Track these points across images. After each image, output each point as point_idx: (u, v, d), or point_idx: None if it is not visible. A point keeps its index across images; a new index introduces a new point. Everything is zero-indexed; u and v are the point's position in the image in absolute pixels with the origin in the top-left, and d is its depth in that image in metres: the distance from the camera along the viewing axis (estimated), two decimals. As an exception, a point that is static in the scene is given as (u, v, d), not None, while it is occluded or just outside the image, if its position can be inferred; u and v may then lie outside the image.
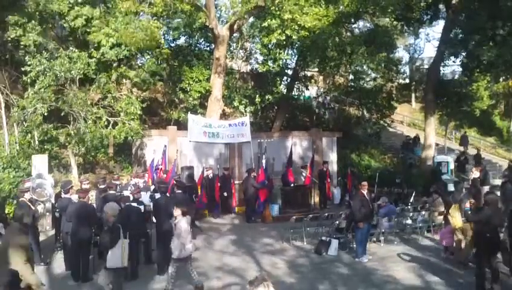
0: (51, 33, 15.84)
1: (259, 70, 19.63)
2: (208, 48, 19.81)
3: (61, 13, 14.27)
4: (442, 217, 11.33)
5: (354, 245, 9.76)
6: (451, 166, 18.16)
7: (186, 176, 12.80)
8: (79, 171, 14.72)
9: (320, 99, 23.53)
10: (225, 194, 13.85)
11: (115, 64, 15.32)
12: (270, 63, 18.04)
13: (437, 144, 21.67)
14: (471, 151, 22.38)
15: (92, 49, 14.68)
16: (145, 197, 10.02)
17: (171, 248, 7.24)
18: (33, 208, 8.95)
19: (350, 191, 15.80)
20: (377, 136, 22.43)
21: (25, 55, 13.52)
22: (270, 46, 17.28)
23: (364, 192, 9.56)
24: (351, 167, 17.58)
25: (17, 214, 6.06)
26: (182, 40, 20.08)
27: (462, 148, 22.76)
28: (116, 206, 6.99)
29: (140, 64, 17.88)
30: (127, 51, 14.45)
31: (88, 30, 14.61)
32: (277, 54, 17.50)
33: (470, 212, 8.44)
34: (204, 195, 13.33)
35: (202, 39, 19.80)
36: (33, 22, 13.54)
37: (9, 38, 13.78)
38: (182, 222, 7.23)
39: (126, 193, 9.99)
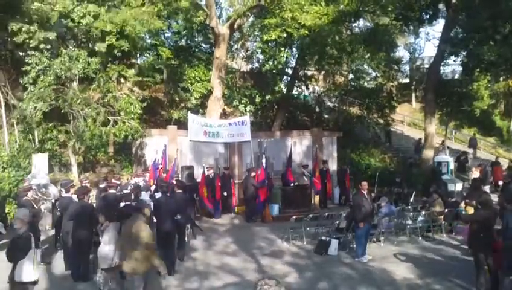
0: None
1: (261, 70, 19.61)
2: (209, 50, 19.81)
3: (67, 13, 14.18)
4: (442, 217, 11.36)
5: (354, 245, 9.77)
6: (451, 166, 18.13)
7: (186, 175, 12.83)
8: (79, 170, 14.72)
9: (320, 98, 23.51)
10: (225, 193, 13.85)
11: (115, 63, 15.29)
12: (270, 62, 18.00)
13: (447, 147, 21.26)
14: (488, 156, 22.29)
15: (95, 45, 14.61)
16: (145, 196, 10.03)
17: (97, 257, 7.02)
18: (36, 207, 8.97)
19: (349, 191, 15.81)
20: (388, 137, 22.34)
21: (26, 54, 13.48)
22: (270, 44, 17.26)
23: (365, 192, 9.56)
24: (350, 166, 17.55)
25: (137, 206, 6.30)
26: (182, 42, 20.08)
27: (469, 150, 22.67)
28: (27, 212, 6.43)
29: (139, 64, 17.88)
30: (131, 40, 14.40)
31: (91, 28, 14.57)
32: (277, 53, 17.49)
33: (463, 213, 8.46)
34: (214, 194, 13.32)
35: (202, 40, 19.81)
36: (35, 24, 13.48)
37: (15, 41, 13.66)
38: (110, 228, 7.06)
39: (126, 192, 9.98)
